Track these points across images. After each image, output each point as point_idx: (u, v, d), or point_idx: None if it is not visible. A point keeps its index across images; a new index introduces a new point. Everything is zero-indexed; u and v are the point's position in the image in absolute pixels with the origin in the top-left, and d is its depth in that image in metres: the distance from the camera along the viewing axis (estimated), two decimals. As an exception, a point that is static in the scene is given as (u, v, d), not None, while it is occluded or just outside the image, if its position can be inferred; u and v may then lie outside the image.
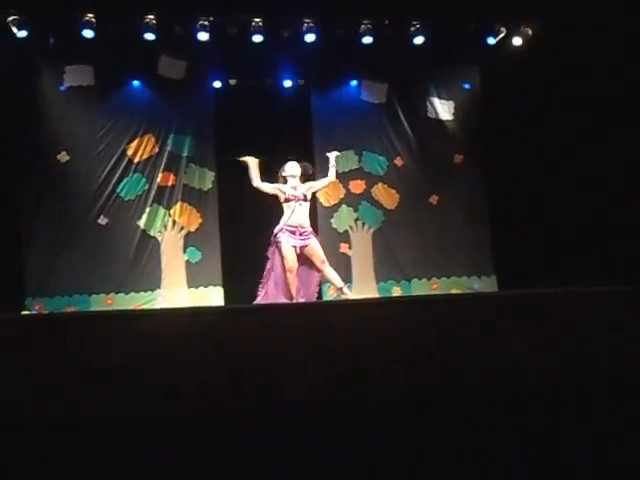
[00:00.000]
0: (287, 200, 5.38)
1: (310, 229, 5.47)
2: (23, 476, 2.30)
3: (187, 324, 2.89)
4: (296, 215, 5.34)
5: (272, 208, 5.83)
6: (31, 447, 2.54)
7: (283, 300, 5.20)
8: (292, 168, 5.48)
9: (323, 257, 5.39)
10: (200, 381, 2.80)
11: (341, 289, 5.47)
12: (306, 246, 5.34)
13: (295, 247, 5.28)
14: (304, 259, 5.38)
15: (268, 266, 5.36)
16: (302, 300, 5.27)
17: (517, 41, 7.07)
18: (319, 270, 5.39)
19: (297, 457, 2.36)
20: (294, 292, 5.20)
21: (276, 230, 5.37)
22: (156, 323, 2.89)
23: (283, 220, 5.39)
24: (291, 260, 5.23)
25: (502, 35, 7.13)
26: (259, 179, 5.44)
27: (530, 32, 6.98)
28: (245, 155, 5.48)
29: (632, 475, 2.17)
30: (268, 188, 5.44)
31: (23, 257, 6.51)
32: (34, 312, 6.25)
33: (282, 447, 2.41)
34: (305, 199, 5.43)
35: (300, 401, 2.81)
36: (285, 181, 5.47)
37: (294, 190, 5.41)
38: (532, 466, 2.30)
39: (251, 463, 2.31)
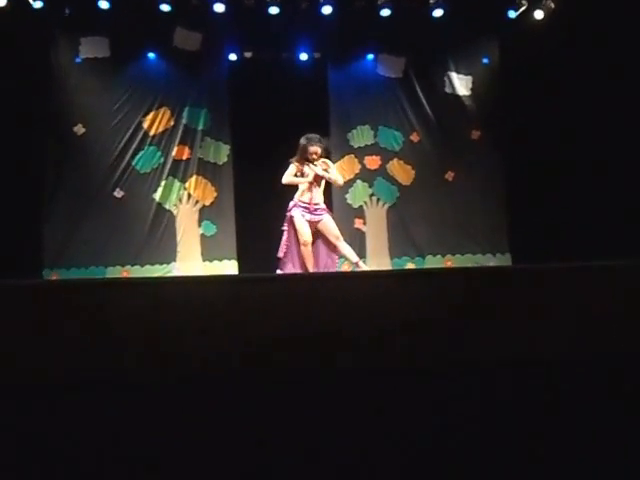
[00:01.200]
0: (303, 175, 5.34)
1: (324, 206, 5.44)
2: (48, 439, 2.36)
3: (205, 291, 2.92)
4: (310, 192, 5.32)
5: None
6: (51, 411, 2.59)
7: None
8: (315, 144, 5.37)
9: (337, 233, 5.37)
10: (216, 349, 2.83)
11: (357, 263, 5.48)
12: (319, 221, 5.32)
13: (309, 222, 5.28)
14: (319, 235, 5.38)
15: (284, 240, 5.35)
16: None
17: (539, 15, 6.91)
18: (334, 246, 5.38)
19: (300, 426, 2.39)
20: (310, 266, 5.21)
21: (290, 205, 5.36)
22: (174, 291, 2.92)
23: (297, 195, 5.37)
24: (305, 234, 5.23)
25: (523, 8, 6.98)
26: (289, 177, 5.35)
27: (552, 5, 6.81)
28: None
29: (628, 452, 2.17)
30: (293, 179, 5.35)
31: (41, 228, 6.58)
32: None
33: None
34: (319, 181, 5.41)
35: (313, 369, 2.85)
36: (304, 152, 5.36)
37: (310, 170, 5.36)
38: (537, 441, 2.31)
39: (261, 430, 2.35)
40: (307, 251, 5.21)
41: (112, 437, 2.36)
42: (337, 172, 5.70)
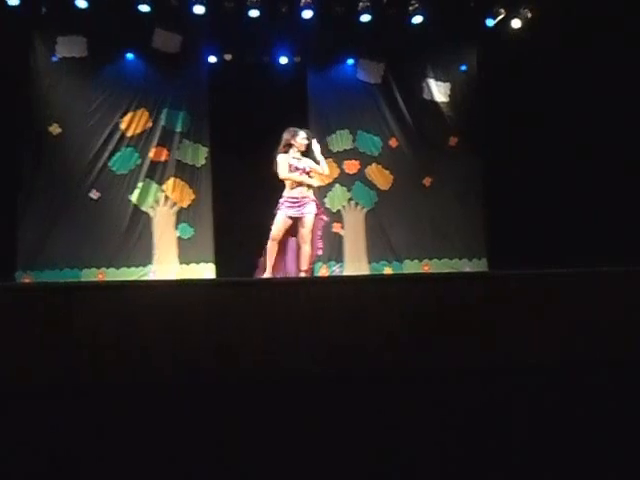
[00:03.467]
0: (291, 171, 5.27)
1: (312, 197, 5.34)
2: (22, 444, 2.31)
3: (178, 295, 2.89)
4: (300, 185, 5.25)
5: (265, 185, 5.80)
6: (26, 416, 2.54)
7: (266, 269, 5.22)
8: (302, 139, 5.32)
9: (307, 237, 5.26)
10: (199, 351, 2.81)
11: (304, 270, 5.37)
12: (301, 219, 5.27)
13: (291, 217, 5.23)
14: (295, 231, 5.32)
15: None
16: (280, 273, 5.26)
17: (516, 23, 7.02)
18: (299, 244, 5.33)
19: (292, 430, 2.38)
20: (270, 262, 5.18)
21: (279, 202, 5.30)
22: (149, 294, 2.89)
23: (286, 191, 5.30)
24: (277, 229, 5.20)
25: (501, 17, 7.08)
26: (287, 173, 5.28)
27: (529, 14, 6.92)
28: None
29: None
30: (290, 175, 5.28)
31: (15, 229, 6.47)
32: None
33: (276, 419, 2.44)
34: (307, 173, 5.34)
35: (294, 375, 2.83)
36: (288, 146, 5.31)
37: (298, 162, 5.31)
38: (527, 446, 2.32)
39: (247, 435, 2.33)
40: (272, 246, 5.20)
41: (84, 446, 2.32)
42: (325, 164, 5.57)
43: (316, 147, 5.33)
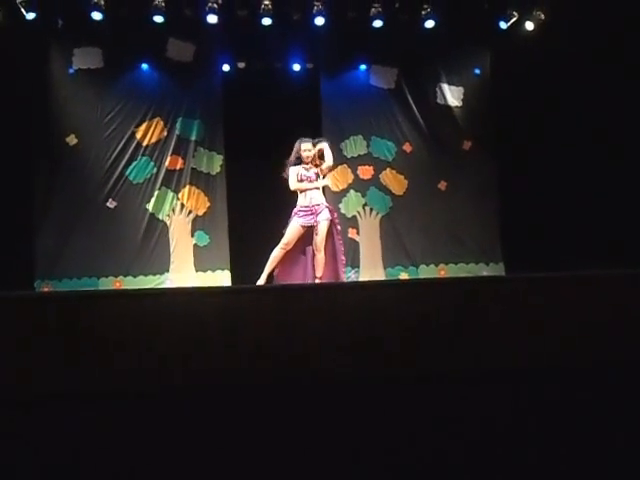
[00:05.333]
0: (300, 180, 5.34)
1: (325, 204, 5.38)
2: (37, 451, 2.33)
3: (198, 303, 2.91)
4: (309, 195, 5.31)
5: (280, 192, 5.83)
6: (42, 422, 2.56)
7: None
8: (305, 149, 5.37)
9: (320, 245, 5.28)
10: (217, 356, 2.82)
11: (318, 277, 5.38)
12: (314, 227, 5.29)
13: (304, 226, 5.27)
14: (310, 240, 5.34)
15: None
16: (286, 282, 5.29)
17: (529, 26, 6.98)
18: (313, 252, 5.36)
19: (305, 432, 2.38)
20: (272, 265, 5.21)
21: (294, 211, 5.35)
22: (167, 302, 2.91)
23: (299, 202, 5.36)
24: (289, 237, 5.25)
25: (514, 19, 7.05)
26: (295, 183, 5.35)
27: (542, 17, 6.88)
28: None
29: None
30: (299, 184, 5.34)
31: (33, 239, 6.54)
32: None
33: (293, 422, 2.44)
34: (317, 179, 5.38)
35: (311, 378, 2.84)
36: (298, 158, 5.39)
37: (306, 171, 5.37)
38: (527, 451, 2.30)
39: (262, 439, 2.33)
40: (280, 252, 5.23)
41: (104, 450, 2.34)
42: (328, 178, 5.61)
43: (325, 147, 5.36)
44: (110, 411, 2.54)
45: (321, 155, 5.39)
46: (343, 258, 5.46)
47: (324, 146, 5.39)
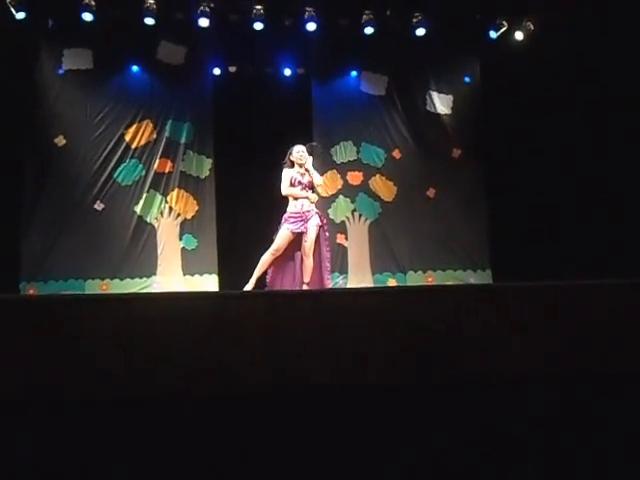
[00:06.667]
0: (292, 185, 5.34)
1: (315, 210, 5.39)
2: (23, 459, 2.30)
3: (185, 308, 2.89)
4: (300, 201, 5.32)
5: (269, 197, 5.82)
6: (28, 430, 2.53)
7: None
8: (299, 154, 5.38)
9: (309, 251, 5.29)
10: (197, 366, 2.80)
11: (305, 283, 5.39)
12: (303, 234, 5.30)
13: (294, 232, 5.27)
14: (300, 246, 5.35)
15: None
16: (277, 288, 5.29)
17: (519, 35, 7.06)
18: (301, 258, 5.37)
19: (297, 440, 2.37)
20: (261, 270, 5.21)
21: (284, 217, 5.35)
22: (154, 307, 2.89)
23: (289, 208, 5.36)
24: (279, 243, 5.26)
25: (504, 29, 7.12)
26: (287, 188, 5.35)
27: (532, 27, 6.96)
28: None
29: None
30: (291, 190, 5.35)
31: (19, 241, 6.47)
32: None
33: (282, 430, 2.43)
34: (311, 186, 5.40)
35: (299, 386, 2.83)
36: (292, 164, 5.40)
37: (301, 177, 5.37)
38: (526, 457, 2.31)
39: (250, 447, 2.32)
40: (269, 257, 5.24)
41: (90, 455, 2.31)
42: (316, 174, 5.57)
43: (309, 160, 5.36)
44: (95, 418, 2.51)
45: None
46: (328, 265, 5.45)
47: (309, 167, 5.35)
